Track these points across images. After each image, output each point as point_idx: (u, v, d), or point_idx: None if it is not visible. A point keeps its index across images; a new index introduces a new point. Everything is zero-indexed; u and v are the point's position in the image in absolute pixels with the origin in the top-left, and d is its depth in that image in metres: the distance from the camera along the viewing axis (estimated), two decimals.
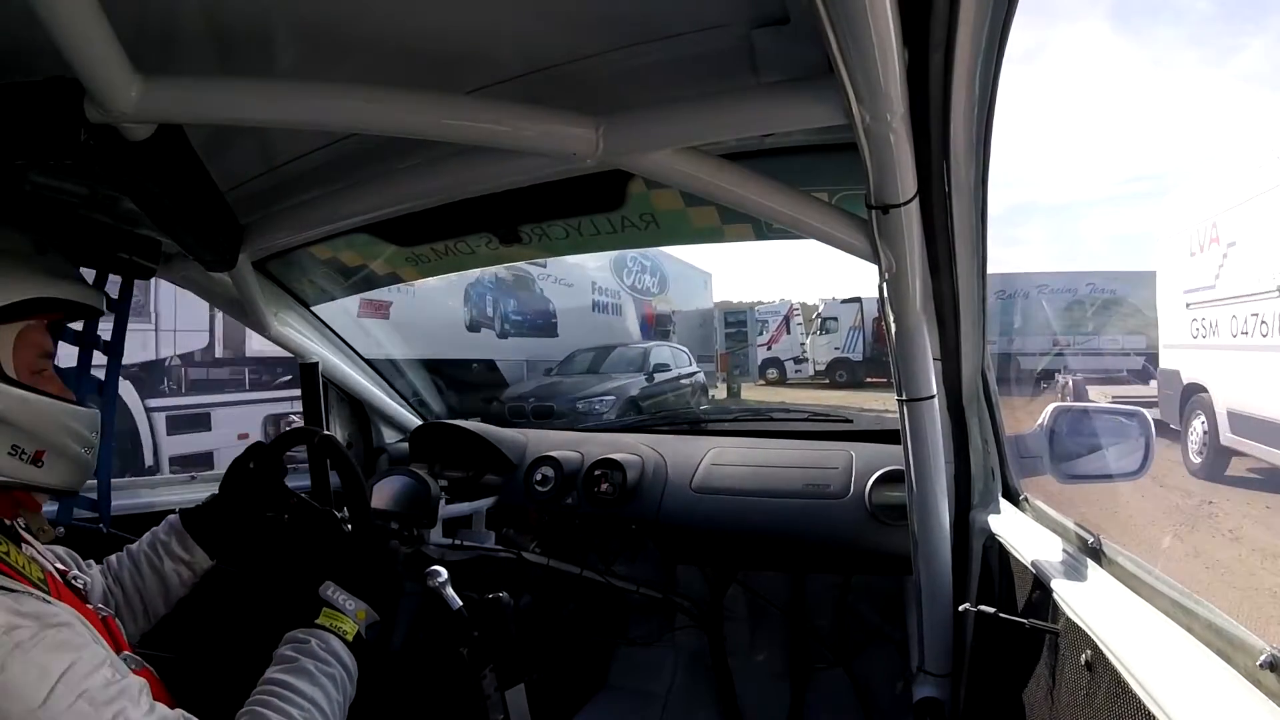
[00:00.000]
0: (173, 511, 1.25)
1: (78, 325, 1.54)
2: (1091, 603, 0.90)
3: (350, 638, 1.01)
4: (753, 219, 1.39)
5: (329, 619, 1.01)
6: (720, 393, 15.79)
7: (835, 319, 21.01)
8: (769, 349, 21.39)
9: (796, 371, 20.98)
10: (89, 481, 1.63)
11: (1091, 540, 1.03)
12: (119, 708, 0.76)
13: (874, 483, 1.74)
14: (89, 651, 0.78)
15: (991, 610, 1.12)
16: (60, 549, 1.09)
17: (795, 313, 22.09)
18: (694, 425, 2.45)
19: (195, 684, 1.04)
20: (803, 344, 21.05)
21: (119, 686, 0.77)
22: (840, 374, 20.32)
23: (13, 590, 0.78)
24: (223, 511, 1.24)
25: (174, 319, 7.00)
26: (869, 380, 19.02)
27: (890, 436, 1.91)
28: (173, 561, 1.20)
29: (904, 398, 1.21)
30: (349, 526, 1.26)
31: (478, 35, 0.95)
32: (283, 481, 1.29)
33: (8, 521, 0.90)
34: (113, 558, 1.21)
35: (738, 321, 19.41)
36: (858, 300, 20.13)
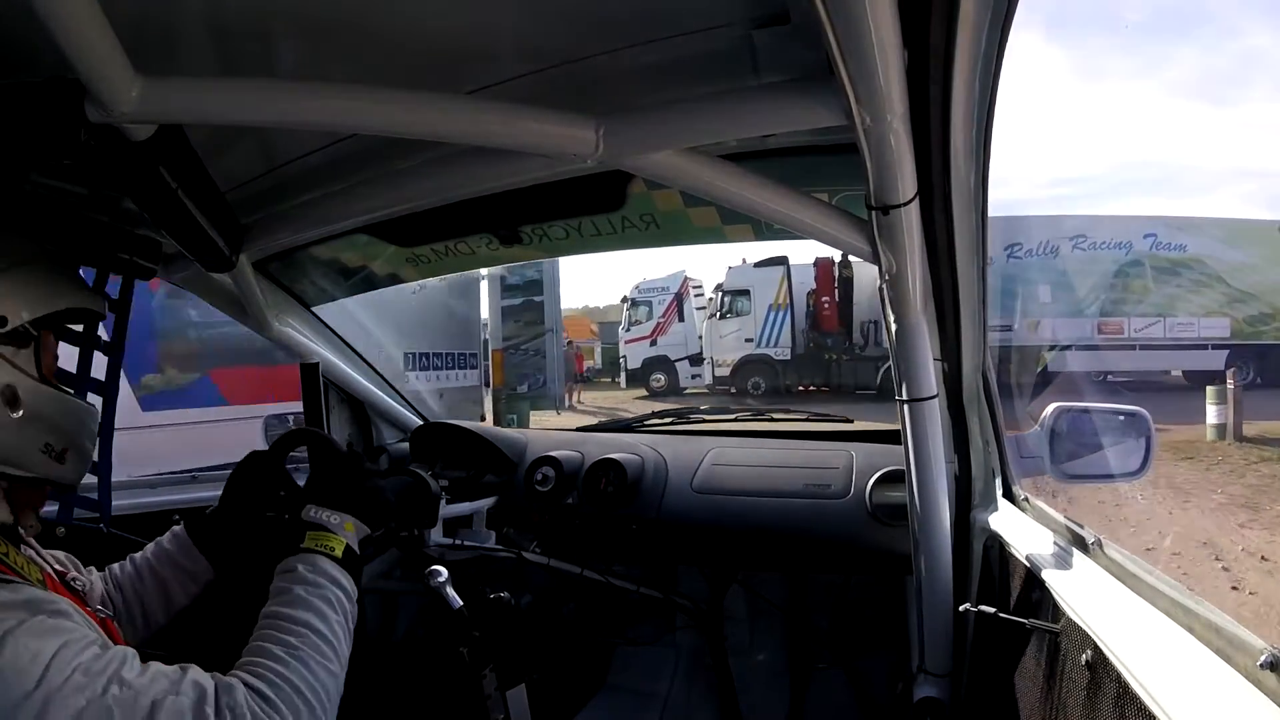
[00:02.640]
0: (175, 511, 1.25)
1: (77, 325, 1.55)
2: (1092, 603, 0.90)
3: (339, 554, 0.98)
4: (753, 219, 1.39)
5: (314, 540, 0.99)
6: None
7: (746, 293, 14.56)
8: (653, 343, 15.26)
9: (694, 377, 14.97)
10: (89, 480, 1.63)
11: (1092, 540, 1.02)
12: (112, 671, 0.76)
13: (874, 483, 1.74)
14: (80, 633, 0.78)
15: (992, 610, 1.12)
16: (60, 553, 1.09)
17: (694, 289, 15.72)
18: (694, 425, 2.45)
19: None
20: (701, 336, 15.05)
21: (110, 655, 0.78)
22: (754, 382, 14.37)
23: (10, 581, 0.79)
24: (227, 519, 1.23)
25: None
26: (805, 389, 14.09)
27: (890, 436, 1.91)
28: (175, 571, 1.19)
29: (904, 398, 1.21)
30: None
31: (478, 35, 0.95)
32: (291, 482, 1.27)
33: (10, 521, 0.90)
34: (115, 566, 1.21)
35: (526, 286, 9.28)
36: (782, 262, 14.29)
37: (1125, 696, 0.74)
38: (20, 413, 0.86)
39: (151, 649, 1.02)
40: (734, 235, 1.48)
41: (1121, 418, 1.48)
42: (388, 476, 1.81)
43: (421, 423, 2.35)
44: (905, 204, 0.93)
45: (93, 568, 1.17)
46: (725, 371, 14.55)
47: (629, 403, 12.53)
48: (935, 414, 1.22)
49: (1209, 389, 10.06)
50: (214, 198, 1.23)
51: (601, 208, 1.45)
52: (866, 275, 13.62)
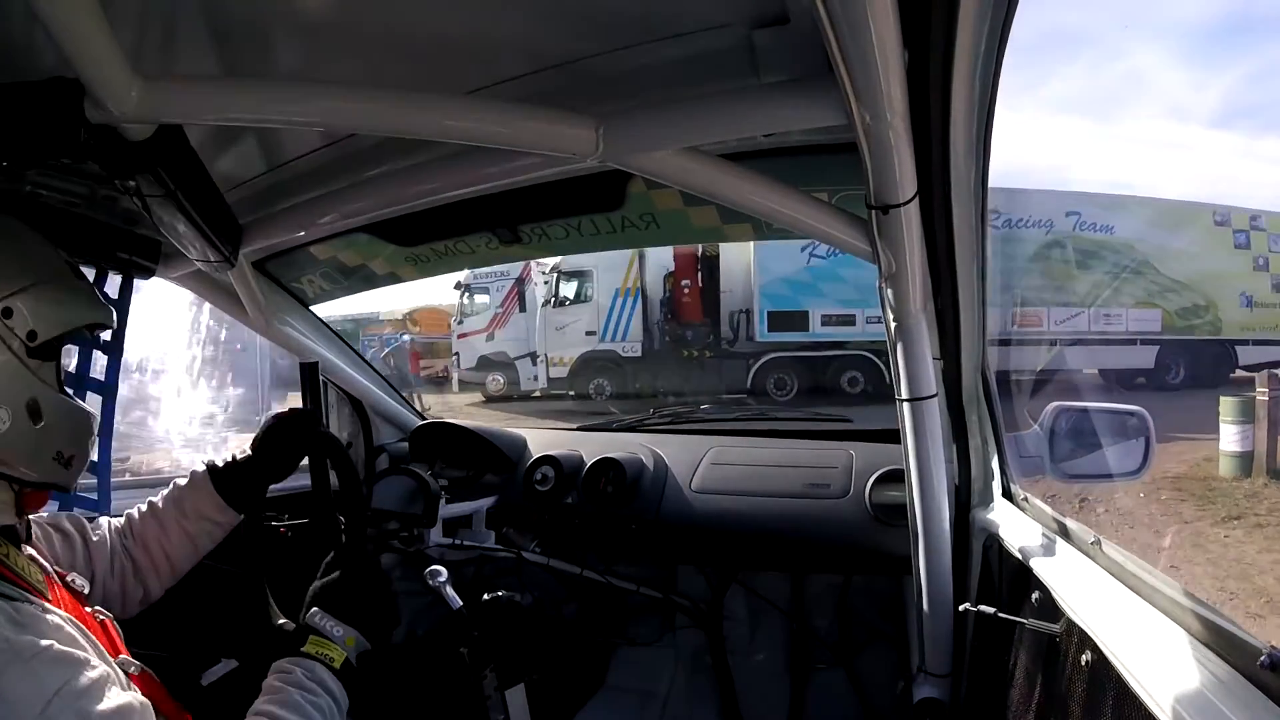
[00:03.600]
0: None
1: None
2: (1091, 603, 0.90)
3: (338, 665, 0.97)
4: (753, 219, 1.39)
5: (316, 646, 0.98)
6: None
7: (586, 275, 11.60)
8: (489, 337, 12.21)
9: (536, 378, 11.99)
10: (90, 480, 1.63)
11: (1092, 540, 1.02)
12: None
13: (874, 483, 1.74)
14: (86, 667, 0.77)
15: (991, 610, 1.12)
16: (64, 516, 1.11)
17: (541, 273, 12.31)
18: (694, 425, 2.45)
19: (194, 684, 1.04)
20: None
21: (116, 706, 0.77)
22: (597, 384, 11.53)
23: (12, 599, 0.78)
24: (255, 472, 1.21)
25: None
26: (667, 391, 10.89)
27: (890, 436, 1.91)
28: (201, 522, 1.19)
29: (904, 397, 1.21)
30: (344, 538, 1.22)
31: (478, 35, 0.95)
32: (328, 444, 1.23)
33: (13, 523, 0.90)
34: (135, 516, 1.20)
35: None
36: None
37: (1125, 696, 0.74)
38: (42, 423, 0.88)
39: (153, 650, 1.03)
40: (734, 234, 1.48)
41: (1121, 417, 1.48)
42: (387, 476, 1.81)
43: (421, 422, 2.35)
44: (905, 203, 0.93)
45: (100, 521, 1.18)
46: (562, 372, 11.64)
47: (460, 411, 9.43)
48: (935, 413, 1.22)
49: (1226, 401, 6.76)
50: (213, 197, 1.23)
51: (601, 207, 1.45)
52: (737, 258, 12.15)
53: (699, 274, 12.48)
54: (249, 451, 1.21)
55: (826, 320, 12.20)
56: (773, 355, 12.22)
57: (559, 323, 11.89)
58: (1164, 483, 5.71)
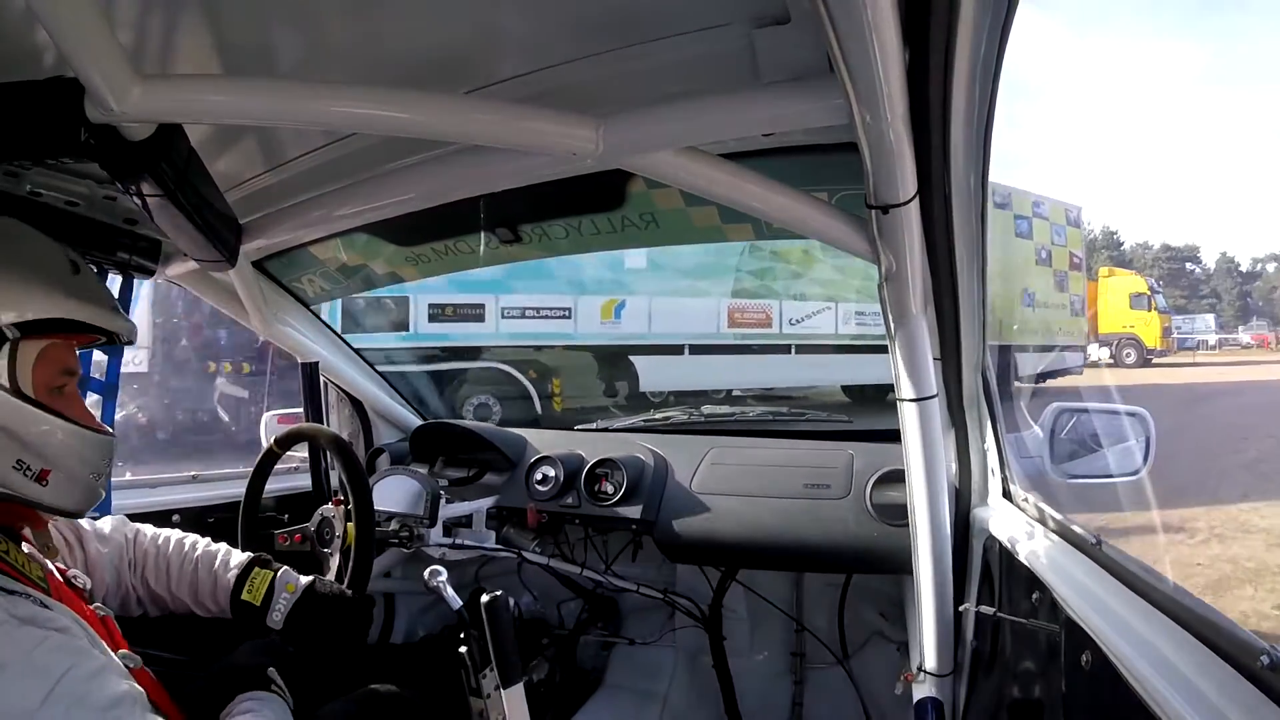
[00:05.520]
0: (175, 511, 1.25)
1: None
2: (1091, 603, 0.90)
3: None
4: (753, 218, 1.39)
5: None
6: None
7: None
8: None
9: None
10: None
11: (1092, 540, 1.02)
12: (114, 716, 0.76)
13: (874, 483, 1.74)
14: (87, 657, 0.78)
15: (991, 610, 1.12)
16: (64, 524, 1.11)
17: None
18: (694, 425, 2.45)
19: (194, 683, 1.04)
20: None
21: (116, 695, 0.77)
22: None
23: (11, 592, 0.78)
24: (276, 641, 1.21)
25: None
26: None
27: (890, 436, 1.91)
28: (212, 606, 1.23)
29: (904, 398, 1.21)
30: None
31: (478, 35, 0.95)
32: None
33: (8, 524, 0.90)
34: (151, 555, 1.22)
35: None
36: None
37: (1125, 696, 0.74)
38: None
39: (153, 649, 1.03)
40: (734, 234, 1.48)
41: (1122, 417, 1.48)
42: (387, 476, 1.81)
43: (421, 422, 2.35)
44: (905, 203, 0.93)
45: (109, 532, 1.19)
46: None
47: None
48: (935, 414, 1.22)
49: None
50: (214, 197, 1.23)
51: (601, 207, 1.45)
52: None
53: None
54: (278, 623, 1.21)
55: (437, 314, 7.82)
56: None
57: None
58: None
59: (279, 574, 1.24)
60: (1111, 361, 19.34)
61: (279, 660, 1.05)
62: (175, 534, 1.26)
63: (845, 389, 10.34)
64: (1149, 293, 20.01)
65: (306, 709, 1.06)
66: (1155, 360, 19.52)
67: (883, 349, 1.26)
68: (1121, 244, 40.32)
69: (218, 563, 1.23)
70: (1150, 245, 41.24)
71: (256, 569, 1.23)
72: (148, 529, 1.25)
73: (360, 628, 1.32)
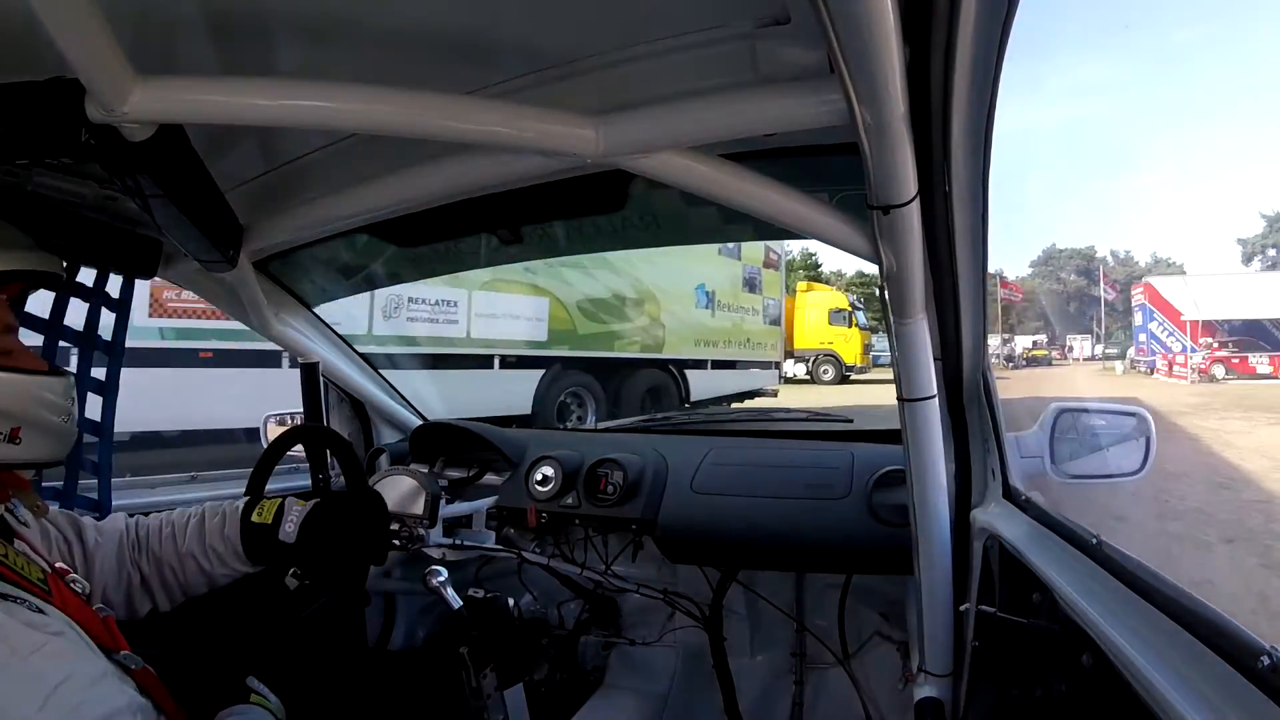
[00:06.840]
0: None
1: (78, 325, 1.54)
2: (1091, 603, 0.90)
3: None
4: (753, 219, 1.39)
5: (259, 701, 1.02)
6: None
7: None
8: None
9: None
10: (90, 481, 1.63)
11: (1092, 540, 1.02)
12: None
13: (874, 483, 1.74)
14: (85, 664, 0.77)
15: (992, 610, 1.12)
16: (61, 517, 1.10)
17: None
18: (694, 425, 2.45)
19: (194, 683, 1.04)
20: None
21: (114, 706, 0.77)
22: None
23: (10, 598, 0.78)
24: (289, 555, 1.22)
25: None
26: None
27: (890, 436, 1.91)
28: (223, 566, 1.21)
29: (904, 397, 1.21)
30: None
31: (478, 35, 0.95)
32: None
33: None
34: (151, 530, 1.21)
35: None
36: None
37: (1125, 696, 0.74)
38: None
39: (153, 649, 1.03)
40: (734, 234, 1.49)
41: (1122, 417, 1.48)
42: (387, 476, 1.81)
43: (421, 422, 2.35)
44: (906, 204, 0.93)
45: (108, 526, 1.17)
46: None
47: None
48: (935, 414, 1.21)
49: None
50: (214, 198, 1.23)
51: (602, 207, 1.45)
52: None
53: None
54: (291, 535, 1.20)
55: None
56: None
57: None
58: None
59: (288, 498, 1.26)
60: (808, 378, 19.23)
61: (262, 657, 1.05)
62: (178, 509, 1.27)
63: None
64: (849, 309, 19.81)
65: (306, 711, 1.06)
66: (854, 377, 19.37)
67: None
68: (819, 265, 39.89)
69: (225, 505, 1.25)
70: (844, 273, 40.42)
71: (264, 500, 1.25)
72: (132, 522, 1.25)
73: (376, 528, 1.31)
